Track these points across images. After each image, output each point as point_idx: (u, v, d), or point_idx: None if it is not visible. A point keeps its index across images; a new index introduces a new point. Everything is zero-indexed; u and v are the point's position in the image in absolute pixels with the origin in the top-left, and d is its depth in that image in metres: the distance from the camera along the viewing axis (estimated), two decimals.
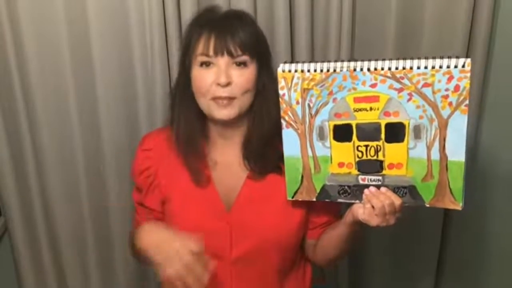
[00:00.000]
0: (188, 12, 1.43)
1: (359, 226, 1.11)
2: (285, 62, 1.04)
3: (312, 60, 1.57)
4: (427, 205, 1.05)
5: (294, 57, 1.57)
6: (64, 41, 1.51)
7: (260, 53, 1.14)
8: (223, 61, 1.10)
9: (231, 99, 1.11)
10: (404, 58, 0.98)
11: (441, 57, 0.96)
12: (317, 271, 1.62)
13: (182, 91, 1.17)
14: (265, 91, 1.15)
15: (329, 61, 1.02)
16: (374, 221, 1.04)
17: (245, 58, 1.10)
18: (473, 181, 1.73)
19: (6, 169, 1.64)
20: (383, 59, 0.99)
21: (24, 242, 1.72)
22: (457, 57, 0.95)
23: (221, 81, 1.08)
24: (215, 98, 1.11)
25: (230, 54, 1.09)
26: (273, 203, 1.18)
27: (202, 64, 1.11)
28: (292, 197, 1.13)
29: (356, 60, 1.00)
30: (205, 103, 1.13)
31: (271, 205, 1.18)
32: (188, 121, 1.18)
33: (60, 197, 1.69)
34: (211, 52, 1.09)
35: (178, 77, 1.20)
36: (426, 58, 0.96)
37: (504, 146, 1.71)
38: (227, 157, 1.22)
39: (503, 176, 1.73)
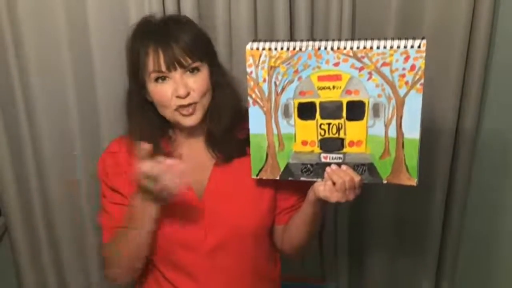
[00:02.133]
0: (188, 12, 1.47)
1: (320, 207, 1.13)
2: (253, 41, 1.10)
3: None
4: (384, 182, 1.07)
5: None
6: (64, 40, 1.54)
7: (207, 53, 1.18)
8: (177, 73, 1.13)
9: (193, 104, 1.15)
10: (365, 39, 1.03)
11: (399, 38, 1.00)
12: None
13: (138, 102, 1.20)
14: (219, 86, 1.19)
15: (295, 40, 1.07)
16: (334, 197, 1.06)
17: (196, 64, 1.14)
18: (474, 180, 1.73)
19: (6, 169, 1.66)
20: (346, 39, 1.04)
21: (24, 242, 1.74)
22: (414, 38, 0.99)
23: (180, 93, 1.12)
24: (179, 108, 1.15)
25: (182, 66, 1.13)
26: (242, 187, 1.21)
27: (157, 79, 1.14)
28: (257, 175, 1.15)
29: (320, 40, 1.05)
30: (169, 115, 1.17)
31: (240, 190, 1.21)
32: (146, 130, 1.20)
33: (60, 197, 1.71)
34: (163, 68, 1.12)
35: (129, 89, 1.22)
36: (385, 39, 1.01)
37: (504, 145, 1.68)
38: (193, 151, 1.24)
39: (504, 176, 1.70)
